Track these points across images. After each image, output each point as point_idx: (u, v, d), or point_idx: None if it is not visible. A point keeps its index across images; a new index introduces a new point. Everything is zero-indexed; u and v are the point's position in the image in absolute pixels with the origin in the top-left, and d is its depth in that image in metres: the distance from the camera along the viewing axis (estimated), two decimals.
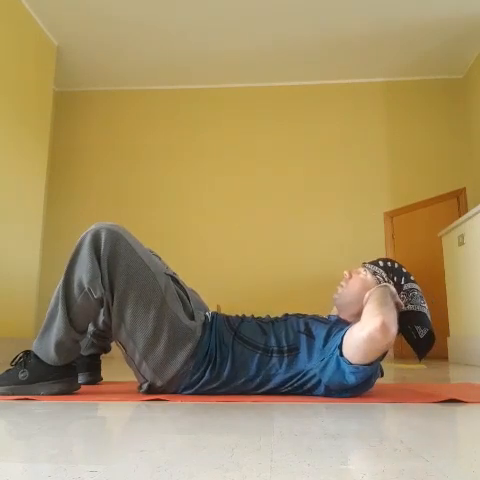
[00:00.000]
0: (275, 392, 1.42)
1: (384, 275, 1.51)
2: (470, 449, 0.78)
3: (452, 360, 3.85)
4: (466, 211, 4.35)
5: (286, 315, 1.55)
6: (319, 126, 5.23)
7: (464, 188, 4.76)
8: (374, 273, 1.52)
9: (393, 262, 1.55)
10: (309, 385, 1.40)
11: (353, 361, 1.27)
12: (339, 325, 1.44)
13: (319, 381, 1.37)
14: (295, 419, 1.04)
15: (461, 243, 3.66)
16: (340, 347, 1.30)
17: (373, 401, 1.34)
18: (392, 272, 1.52)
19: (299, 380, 1.40)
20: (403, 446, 0.78)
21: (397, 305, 1.41)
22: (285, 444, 0.79)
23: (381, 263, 1.54)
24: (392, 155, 5.11)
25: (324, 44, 4.65)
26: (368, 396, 1.43)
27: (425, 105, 5.18)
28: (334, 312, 1.62)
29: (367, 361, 1.26)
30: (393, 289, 1.43)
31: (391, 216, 4.97)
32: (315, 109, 5.28)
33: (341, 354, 1.29)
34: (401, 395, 1.48)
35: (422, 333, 1.49)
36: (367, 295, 1.39)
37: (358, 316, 1.38)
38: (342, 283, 1.57)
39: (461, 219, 3.64)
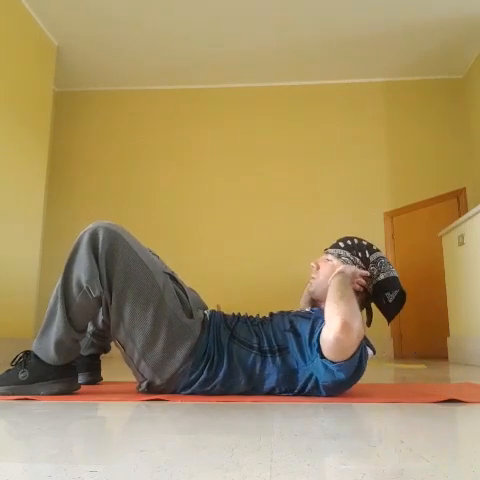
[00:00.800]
0: (272, 394, 1.42)
1: (348, 254, 1.54)
2: (470, 449, 0.78)
3: (452, 360, 3.85)
4: (466, 211, 4.35)
5: (271, 314, 1.56)
6: (319, 126, 5.23)
7: (464, 188, 4.76)
8: (338, 256, 1.55)
9: (351, 239, 1.59)
10: (310, 386, 1.39)
11: (334, 360, 1.28)
12: (320, 318, 1.43)
13: (316, 381, 1.37)
14: (295, 419, 1.04)
15: (461, 243, 3.66)
16: (319, 351, 1.32)
17: (373, 401, 1.34)
18: (354, 249, 1.55)
19: (296, 383, 1.40)
20: (403, 446, 0.78)
21: (359, 283, 1.45)
22: (285, 444, 0.79)
23: (341, 244, 1.58)
24: (392, 155, 5.11)
25: (324, 44, 4.65)
26: (368, 396, 1.43)
27: (425, 105, 5.18)
28: (302, 308, 1.63)
29: (346, 357, 1.27)
30: (350, 270, 1.46)
31: (391, 216, 4.97)
32: (315, 109, 5.28)
33: (322, 356, 1.30)
34: (401, 395, 1.48)
35: (391, 297, 1.51)
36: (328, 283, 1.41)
37: None
38: (313, 275, 1.60)
39: (461, 219, 3.64)
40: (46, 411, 1.14)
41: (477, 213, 3.37)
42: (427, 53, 4.79)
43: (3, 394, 1.38)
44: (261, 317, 1.57)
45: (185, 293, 1.52)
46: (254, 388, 1.42)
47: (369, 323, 1.55)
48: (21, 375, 1.40)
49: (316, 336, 1.34)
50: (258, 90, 5.35)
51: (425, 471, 0.62)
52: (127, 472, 0.61)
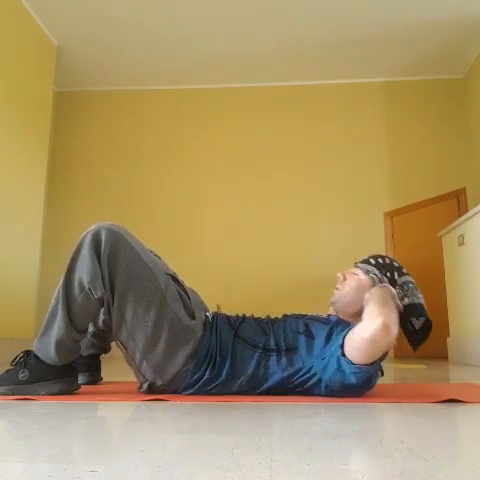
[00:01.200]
0: (275, 391, 1.42)
1: (377, 272, 1.51)
2: (470, 449, 0.78)
3: (452, 360, 3.85)
4: (466, 211, 4.35)
5: (285, 316, 1.56)
6: (319, 126, 5.23)
7: (464, 188, 4.76)
8: (367, 272, 1.52)
9: (383, 257, 1.56)
10: (309, 383, 1.40)
11: (355, 361, 1.27)
12: (340, 325, 1.44)
13: (319, 380, 1.37)
14: (295, 419, 1.04)
15: (461, 243, 3.66)
16: (341, 347, 1.30)
17: (373, 401, 1.34)
18: (384, 268, 1.52)
19: (299, 378, 1.40)
20: (403, 446, 0.78)
21: (397, 306, 1.41)
22: (285, 444, 0.79)
23: (372, 261, 1.55)
24: (392, 155, 5.11)
25: (324, 44, 4.65)
26: (368, 396, 1.43)
27: (425, 105, 5.18)
28: (332, 312, 1.63)
29: (369, 361, 1.26)
30: (393, 290, 1.43)
31: (391, 216, 4.97)
32: (315, 109, 5.28)
33: (343, 354, 1.29)
34: (401, 395, 1.48)
35: (418, 324, 1.49)
36: (367, 296, 1.39)
37: (357, 316, 1.38)
38: (337, 286, 1.57)
39: (461, 219, 3.64)
40: (46, 411, 1.14)
41: (477, 213, 3.37)
42: (427, 53, 4.79)
43: (3, 394, 1.38)
44: (273, 317, 1.56)
45: (187, 294, 1.53)
46: (257, 387, 1.42)
47: None
48: (21, 375, 1.40)
49: (338, 337, 1.34)
50: (258, 90, 5.35)
51: (425, 471, 0.62)
52: (127, 472, 0.61)
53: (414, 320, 1.48)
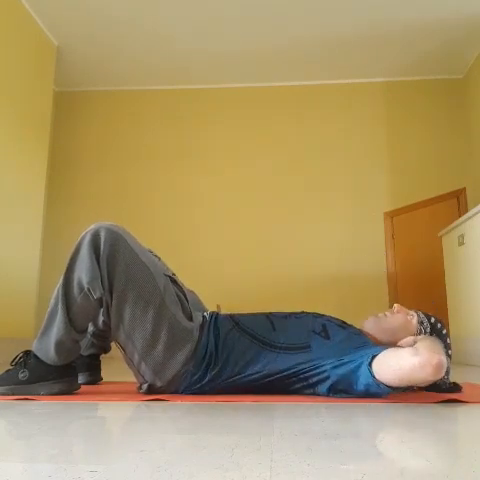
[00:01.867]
0: (279, 384, 1.41)
1: (428, 330, 1.51)
2: (470, 449, 0.78)
3: (452, 360, 3.85)
4: (466, 211, 4.35)
5: (302, 312, 1.54)
6: (319, 126, 5.23)
7: (464, 188, 4.76)
8: (420, 322, 1.52)
9: (443, 326, 1.55)
10: (315, 379, 1.38)
11: (380, 377, 1.24)
12: (360, 336, 1.43)
13: (327, 377, 1.36)
14: (295, 419, 1.04)
15: (461, 243, 3.66)
16: (374, 357, 1.27)
17: (373, 401, 1.34)
18: (434, 330, 1.52)
19: (306, 372, 1.39)
20: (403, 446, 0.78)
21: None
22: (285, 444, 0.79)
23: (432, 319, 1.55)
24: (392, 155, 5.11)
25: (324, 44, 4.65)
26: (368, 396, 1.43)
27: (425, 105, 5.17)
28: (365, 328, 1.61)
29: (394, 385, 1.24)
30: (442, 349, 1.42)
31: (391, 216, 4.97)
32: (315, 109, 5.28)
33: (370, 364, 1.27)
34: (401, 395, 1.48)
35: (445, 384, 1.47)
36: (411, 338, 1.38)
37: (378, 344, 1.40)
38: (387, 313, 1.57)
39: (461, 219, 3.64)
40: (46, 411, 1.14)
41: (477, 213, 3.36)
42: (427, 53, 4.79)
43: (3, 394, 1.38)
44: (289, 312, 1.55)
45: (185, 296, 1.52)
46: (262, 378, 1.41)
47: None
48: (21, 375, 1.40)
49: (374, 348, 1.32)
50: (258, 90, 5.35)
51: (425, 471, 0.62)
52: (127, 472, 0.61)
53: (445, 378, 1.46)
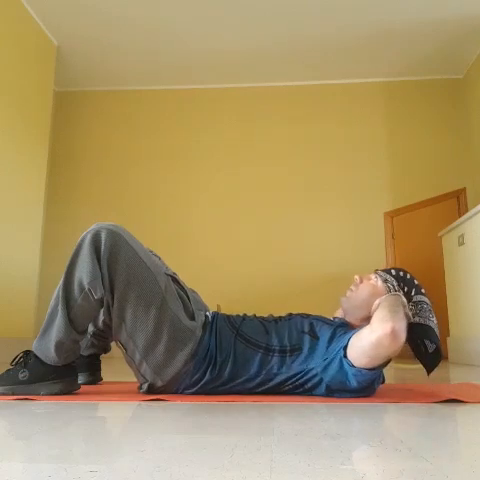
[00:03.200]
0: (275, 391, 1.42)
1: (395, 284, 1.50)
2: (470, 449, 0.78)
3: (452, 360, 3.85)
4: (466, 211, 4.35)
5: (290, 315, 1.55)
6: (319, 126, 5.23)
7: (464, 188, 4.76)
8: (385, 281, 1.51)
9: (405, 272, 1.55)
10: (310, 384, 1.40)
11: (356, 364, 1.27)
12: (344, 328, 1.44)
13: (320, 380, 1.37)
14: (295, 419, 1.04)
15: (461, 243, 3.66)
16: (345, 348, 1.30)
17: (373, 401, 1.34)
18: (403, 282, 1.51)
19: (300, 379, 1.40)
20: (403, 446, 0.78)
21: (406, 316, 1.39)
22: (285, 444, 0.79)
23: (393, 272, 1.54)
24: (392, 155, 5.11)
25: (324, 44, 4.65)
26: (368, 396, 1.43)
27: (425, 105, 5.17)
28: (339, 314, 1.62)
29: (370, 366, 1.26)
30: (404, 299, 1.42)
31: (391, 216, 4.97)
32: (315, 109, 5.28)
33: (345, 355, 1.29)
34: (401, 395, 1.48)
35: (431, 347, 1.46)
36: (377, 302, 1.39)
37: (364, 321, 1.39)
38: (352, 287, 1.57)
39: (461, 219, 3.64)
40: (46, 411, 1.14)
41: (477, 213, 3.36)
42: (427, 53, 4.79)
43: (3, 394, 1.38)
44: (276, 316, 1.56)
45: (187, 295, 1.52)
46: (259, 386, 1.42)
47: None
48: (21, 375, 1.40)
49: (342, 338, 1.34)
50: (258, 90, 5.35)
51: (425, 471, 0.62)
52: (127, 472, 0.61)
53: (428, 343, 1.46)
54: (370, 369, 1.27)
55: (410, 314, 1.42)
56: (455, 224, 3.75)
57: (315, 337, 1.42)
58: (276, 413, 1.12)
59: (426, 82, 5.21)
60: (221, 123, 5.33)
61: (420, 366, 3.06)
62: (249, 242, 5.01)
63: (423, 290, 1.53)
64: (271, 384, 1.41)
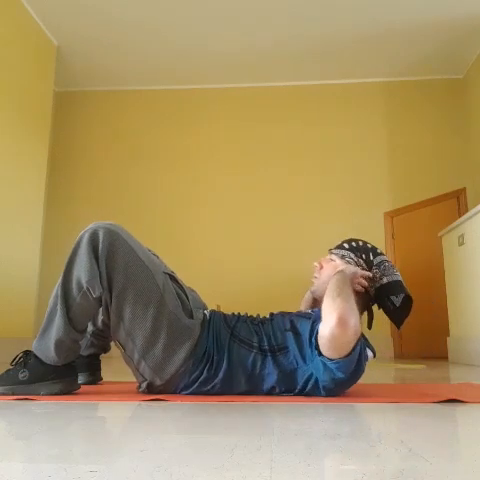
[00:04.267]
0: (270, 392, 1.42)
1: (352, 256, 1.54)
2: (470, 449, 0.78)
3: (452, 360, 3.85)
4: (466, 211, 4.35)
5: (271, 315, 1.56)
6: (319, 126, 5.23)
7: (464, 188, 4.76)
8: (342, 257, 1.55)
9: (357, 241, 1.60)
10: (309, 386, 1.39)
11: (332, 358, 1.28)
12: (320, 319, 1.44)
13: (316, 380, 1.37)
14: (295, 419, 1.04)
15: (461, 243, 3.66)
16: (317, 348, 1.32)
17: (373, 401, 1.34)
18: (359, 251, 1.56)
19: (295, 382, 1.40)
20: (403, 446, 0.78)
21: (360, 284, 1.46)
22: (285, 444, 0.79)
23: (346, 245, 1.59)
24: (392, 155, 5.11)
25: (324, 44, 4.65)
26: (368, 396, 1.43)
27: (425, 105, 5.17)
28: (303, 307, 1.66)
29: (342, 354, 1.27)
30: (350, 270, 1.46)
31: (391, 216, 4.97)
32: (315, 109, 5.28)
33: (320, 354, 1.31)
34: (401, 395, 1.48)
35: (398, 301, 1.51)
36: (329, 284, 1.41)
37: None
38: (315, 275, 1.61)
39: (461, 219, 3.64)
40: (46, 411, 1.14)
41: (477, 213, 3.36)
42: (427, 53, 4.79)
43: (3, 394, 1.38)
44: (262, 317, 1.57)
45: (185, 293, 1.52)
46: (254, 387, 1.42)
47: (370, 325, 1.56)
48: (21, 375, 1.40)
49: (315, 334, 1.35)
50: (258, 90, 5.35)
51: (425, 471, 0.62)
52: (127, 472, 0.61)
53: (394, 298, 1.52)
54: (347, 355, 1.27)
55: (363, 282, 1.47)
56: (455, 224, 3.75)
57: (297, 334, 1.43)
58: (276, 413, 1.12)
59: (426, 82, 5.21)
60: (220, 123, 5.33)
61: (420, 366, 3.07)
62: (249, 242, 5.01)
63: (379, 250, 1.59)
64: (266, 386, 1.41)
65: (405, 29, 4.41)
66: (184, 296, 1.51)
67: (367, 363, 1.41)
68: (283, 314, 1.54)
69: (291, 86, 5.32)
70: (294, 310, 1.65)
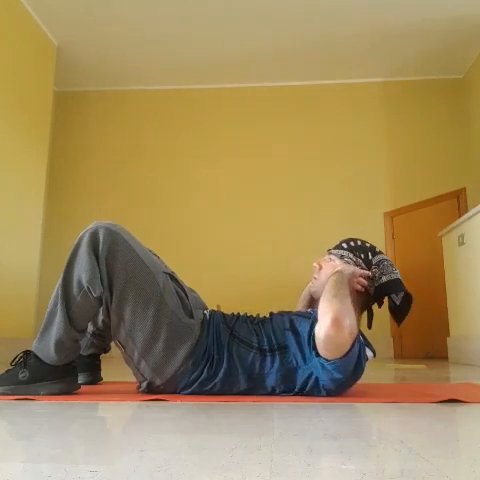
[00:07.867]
0: (271, 392, 1.42)
1: (351, 255, 1.55)
2: (470, 449, 0.78)
3: (452, 360, 3.85)
4: (466, 211, 4.35)
5: (271, 314, 1.56)
6: (319, 126, 5.23)
7: (464, 188, 4.76)
8: (341, 257, 1.56)
9: (355, 240, 1.60)
10: (309, 386, 1.39)
11: (328, 358, 1.28)
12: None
13: (317, 380, 1.37)
14: (295, 419, 1.04)
15: (461, 243, 3.66)
16: (314, 348, 1.32)
17: (373, 401, 1.34)
18: (357, 250, 1.56)
19: (295, 382, 1.40)
20: (403, 446, 0.78)
21: (360, 283, 1.46)
22: (285, 444, 0.79)
23: (345, 245, 1.59)
24: (392, 155, 5.11)
25: (324, 44, 4.65)
26: (368, 396, 1.43)
27: (425, 105, 5.17)
28: (299, 306, 1.66)
29: (340, 355, 1.27)
30: (349, 270, 1.47)
31: (391, 216, 4.97)
32: (315, 109, 5.28)
33: (317, 354, 1.31)
34: (401, 395, 1.48)
35: (398, 299, 1.52)
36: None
37: None
38: (315, 276, 1.61)
39: (461, 219, 3.64)
40: (46, 411, 1.14)
41: (477, 213, 3.36)
42: (427, 53, 4.79)
43: (3, 394, 1.38)
44: (261, 317, 1.57)
45: (185, 293, 1.52)
46: (254, 387, 1.41)
47: (370, 325, 1.56)
48: (21, 375, 1.40)
49: (313, 335, 1.35)
50: (258, 90, 5.35)
51: (425, 471, 0.62)
52: (127, 472, 0.61)
53: (394, 296, 1.52)
54: (344, 356, 1.27)
55: (363, 281, 1.47)
56: (455, 224, 3.75)
57: (297, 333, 1.43)
58: (276, 413, 1.12)
59: (426, 82, 5.21)
60: (221, 123, 5.33)
61: (420, 366, 3.08)
62: (249, 242, 5.01)
63: (377, 249, 1.59)
64: (266, 385, 1.41)
65: (405, 29, 4.41)
66: (184, 296, 1.51)
67: (367, 363, 1.41)
68: (283, 314, 1.54)
69: (291, 86, 5.32)
70: (293, 310, 1.65)
